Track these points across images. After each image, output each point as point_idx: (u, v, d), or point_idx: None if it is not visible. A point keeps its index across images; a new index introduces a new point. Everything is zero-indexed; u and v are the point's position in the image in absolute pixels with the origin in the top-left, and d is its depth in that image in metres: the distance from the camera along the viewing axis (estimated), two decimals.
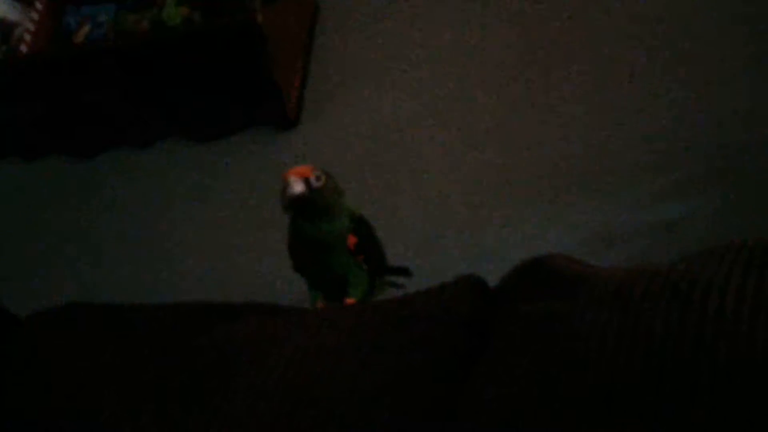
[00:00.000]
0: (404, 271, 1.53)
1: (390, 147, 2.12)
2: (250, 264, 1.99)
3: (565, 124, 2.00)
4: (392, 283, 1.54)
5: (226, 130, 2.28)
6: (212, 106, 2.24)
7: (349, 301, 1.29)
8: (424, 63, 2.26)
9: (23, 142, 2.44)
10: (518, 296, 0.95)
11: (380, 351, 1.01)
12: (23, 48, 2.27)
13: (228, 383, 0.98)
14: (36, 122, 2.36)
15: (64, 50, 2.28)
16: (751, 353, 0.66)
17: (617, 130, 1.94)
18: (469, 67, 2.21)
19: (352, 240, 1.26)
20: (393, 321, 1.06)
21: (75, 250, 2.23)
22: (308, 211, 1.20)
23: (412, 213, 1.97)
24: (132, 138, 2.36)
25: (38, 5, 2.36)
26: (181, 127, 2.31)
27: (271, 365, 0.98)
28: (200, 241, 2.12)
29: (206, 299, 1.35)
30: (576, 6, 2.22)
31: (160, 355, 1.09)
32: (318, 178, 1.19)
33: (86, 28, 2.34)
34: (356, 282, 1.30)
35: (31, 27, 2.32)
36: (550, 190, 1.89)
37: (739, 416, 0.63)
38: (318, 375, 0.97)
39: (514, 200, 1.90)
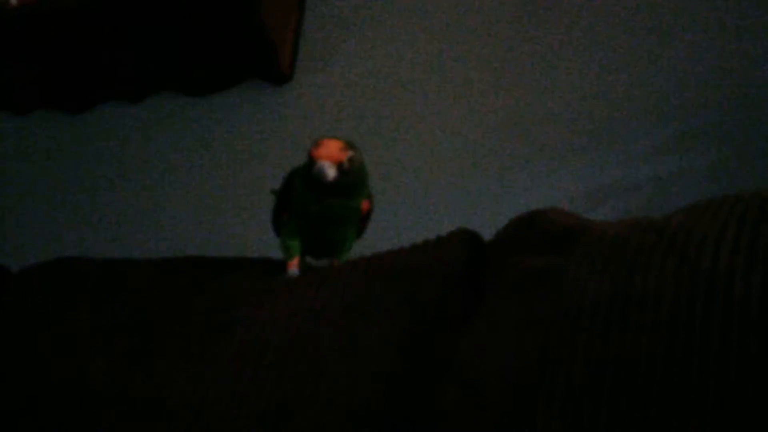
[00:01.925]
0: None
1: (385, 101, 2.11)
2: (244, 219, 1.98)
3: (560, 79, 1.99)
4: None
5: (219, 85, 2.25)
6: (204, 60, 2.22)
7: (335, 263, 1.24)
8: (421, 14, 2.24)
9: (14, 97, 2.41)
10: (513, 249, 0.95)
11: (375, 304, 1.01)
12: (13, 1, 2.24)
13: (220, 338, 0.98)
14: (27, 76, 2.33)
15: (54, 2, 2.24)
16: (746, 309, 0.66)
17: (612, 85, 1.93)
18: (466, 18, 2.19)
19: (365, 206, 1.20)
20: (388, 274, 1.06)
21: (68, 204, 2.22)
22: (337, 192, 1.13)
23: (407, 168, 1.96)
24: (124, 92, 2.33)
25: None
26: (173, 82, 2.29)
27: (264, 320, 0.98)
28: (194, 196, 2.11)
29: (199, 254, 1.35)
30: None
31: (152, 310, 1.09)
32: (350, 160, 1.09)
33: None
34: (350, 246, 1.26)
35: None
36: (546, 146, 1.88)
37: (733, 372, 0.63)
38: (312, 330, 0.97)
39: (510, 155, 1.90)
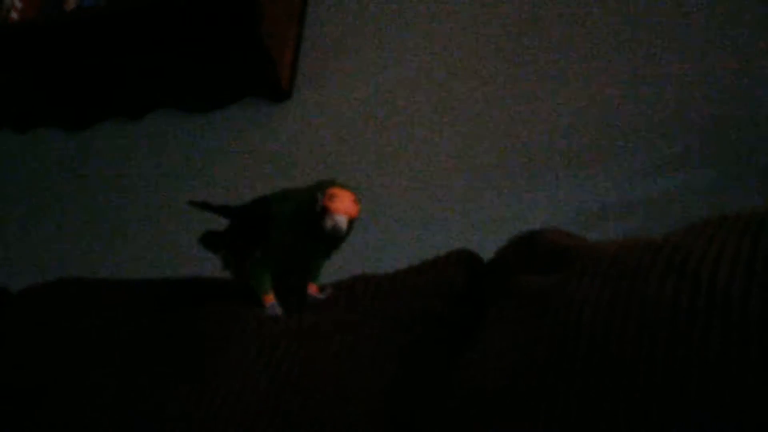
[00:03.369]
0: None
1: (384, 118, 2.11)
2: None
3: (558, 99, 1.99)
4: None
5: (219, 101, 2.26)
6: (205, 76, 2.23)
7: (312, 286, 1.19)
8: (420, 32, 2.25)
9: (15, 114, 2.42)
10: (513, 269, 0.95)
11: (375, 326, 1.01)
12: (14, 15, 2.25)
13: (219, 359, 0.98)
14: (27, 93, 2.34)
15: (55, 17, 2.25)
16: (745, 324, 0.66)
17: (610, 105, 1.93)
18: (465, 37, 2.19)
19: None
20: (387, 295, 1.06)
21: (68, 222, 2.22)
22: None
23: (406, 186, 1.96)
24: (124, 109, 2.34)
25: None
26: (173, 98, 2.29)
27: (262, 343, 0.98)
28: (193, 213, 2.11)
29: (199, 271, 1.35)
30: None
31: (151, 328, 1.09)
32: (358, 211, 1.06)
33: None
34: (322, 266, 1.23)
35: None
36: (544, 165, 1.88)
37: (733, 387, 0.63)
38: (311, 349, 0.97)
39: (508, 175, 1.90)
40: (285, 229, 1.07)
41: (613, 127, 1.89)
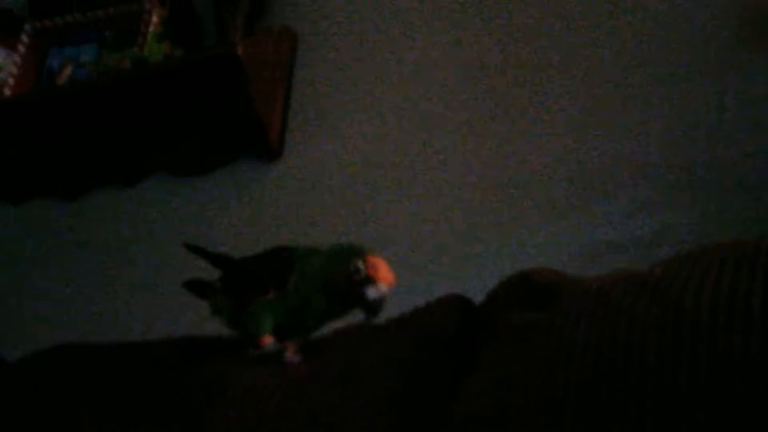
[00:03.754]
0: None
1: (375, 173, 2.13)
2: None
3: (546, 142, 2.02)
4: None
5: (211, 164, 2.29)
6: (196, 140, 2.26)
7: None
8: (406, 86, 2.29)
9: (9, 186, 2.44)
10: (504, 309, 0.96)
11: (367, 376, 1.01)
12: (7, 91, 2.29)
13: (216, 406, 0.98)
14: (21, 165, 2.37)
15: (47, 92, 2.30)
16: (729, 352, 0.67)
17: (597, 147, 1.96)
18: (451, 87, 2.23)
19: None
20: (379, 344, 1.07)
21: (64, 291, 2.22)
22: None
23: (397, 239, 1.97)
24: (117, 177, 2.36)
25: (21, 48, 2.38)
26: (166, 164, 2.32)
27: (259, 387, 0.98)
28: (191, 275, 2.11)
29: (196, 332, 1.35)
30: (557, 22, 2.25)
31: (151, 387, 1.09)
32: None
33: (69, 70, 2.36)
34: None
35: (15, 70, 2.33)
36: (533, 210, 1.90)
37: (719, 414, 0.64)
38: (304, 407, 0.97)
39: (497, 221, 1.92)
40: (309, 285, 1.04)
41: (602, 169, 1.91)
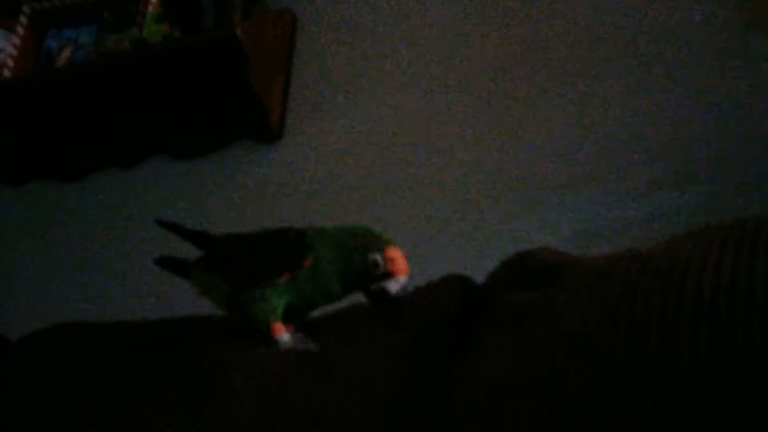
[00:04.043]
0: None
1: (375, 156, 2.13)
2: None
3: (548, 122, 2.02)
4: None
5: (211, 146, 2.29)
6: (196, 122, 2.25)
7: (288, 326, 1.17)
8: (407, 70, 2.28)
9: (9, 168, 2.44)
10: (505, 289, 0.96)
11: (370, 355, 1.01)
12: (6, 73, 2.28)
13: (220, 396, 0.98)
14: (21, 147, 2.36)
15: (46, 73, 2.29)
16: (731, 332, 0.67)
17: (597, 127, 1.96)
18: (452, 68, 2.23)
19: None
20: (380, 323, 1.07)
21: (65, 273, 2.23)
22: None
23: (398, 222, 1.97)
24: (118, 158, 2.36)
25: (20, 30, 2.37)
26: (166, 145, 2.32)
27: (262, 364, 0.98)
28: (191, 256, 2.12)
29: (196, 314, 1.35)
30: (559, 7, 2.24)
31: (153, 365, 1.09)
32: None
33: (68, 51, 2.35)
34: None
35: (14, 52, 2.32)
36: (533, 191, 1.90)
37: (720, 394, 0.64)
38: (307, 385, 0.97)
39: (500, 201, 1.91)
40: (325, 269, 1.02)
41: (606, 148, 1.91)
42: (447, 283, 1.10)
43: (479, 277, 1.12)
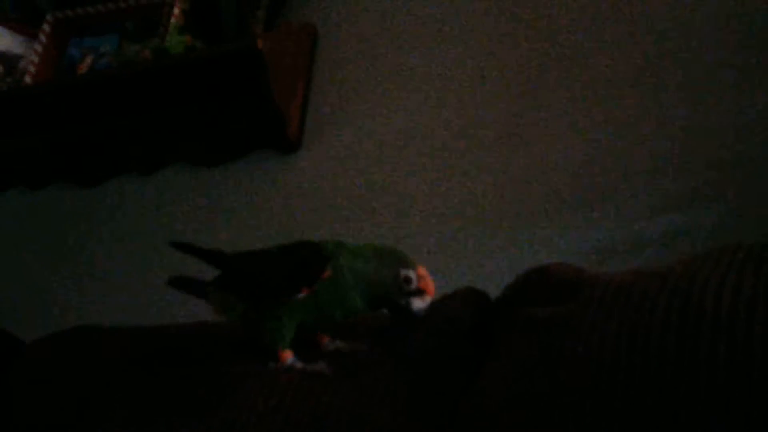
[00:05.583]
0: None
1: (392, 167, 2.14)
2: None
3: (562, 140, 2.02)
4: None
5: (230, 155, 2.30)
6: (215, 131, 2.27)
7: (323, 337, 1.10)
8: (424, 83, 2.29)
9: (29, 172, 2.46)
10: (521, 302, 0.96)
11: (383, 366, 1.01)
12: (28, 79, 2.30)
13: (231, 390, 0.99)
14: (41, 152, 2.38)
15: (67, 80, 2.31)
16: (749, 351, 0.67)
17: (614, 144, 1.96)
18: (467, 86, 2.24)
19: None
20: (395, 335, 1.07)
21: (80, 277, 2.24)
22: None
23: (414, 234, 1.98)
24: (136, 165, 2.38)
25: (42, 38, 2.40)
26: (185, 153, 2.33)
27: (272, 388, 0.98)
28: (206, 266, 2.12)
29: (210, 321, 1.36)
30: (578, 23, 2.25)
31: (166, 371, 1.10)
32: None
33: (89, 59, 2.37)
34: None
35: (36, 59, 2.35)
36: (549, 207, 1.90)
37: (739, 414, 0.64)
38: (320, 397, 0.98)
39: (514, 217, 1.92)
40: (346, 284, 1.00)
41: (618, 167, 1.91)
42: (462, 297, 1.10)
43: (493, 291, 1.12)
